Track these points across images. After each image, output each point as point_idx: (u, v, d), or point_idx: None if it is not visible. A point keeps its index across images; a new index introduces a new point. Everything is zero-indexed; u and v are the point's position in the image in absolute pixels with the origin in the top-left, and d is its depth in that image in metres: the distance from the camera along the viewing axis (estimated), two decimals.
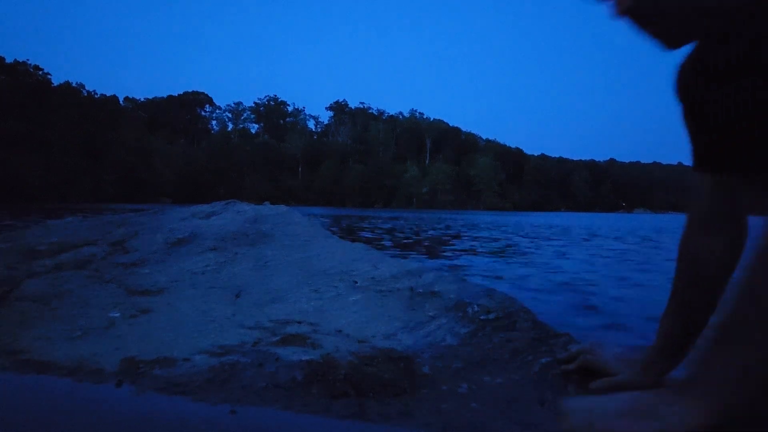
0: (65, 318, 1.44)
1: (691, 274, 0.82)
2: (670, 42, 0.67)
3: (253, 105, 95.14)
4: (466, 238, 9.31)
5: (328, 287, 1.77)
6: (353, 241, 2.60)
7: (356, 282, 1.79)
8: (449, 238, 9.24)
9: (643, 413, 0.61)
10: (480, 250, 6.77)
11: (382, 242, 7.78)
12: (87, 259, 2.07)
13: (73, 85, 58.22)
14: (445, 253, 6.13)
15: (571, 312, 2.73)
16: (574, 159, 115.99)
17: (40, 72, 52.89)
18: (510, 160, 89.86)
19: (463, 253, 6.25)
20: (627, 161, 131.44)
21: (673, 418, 0.58)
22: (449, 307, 1.48)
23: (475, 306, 1.44)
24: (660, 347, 0.88)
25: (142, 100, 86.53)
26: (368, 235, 9.62)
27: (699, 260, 0.81)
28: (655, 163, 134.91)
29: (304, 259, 2.15)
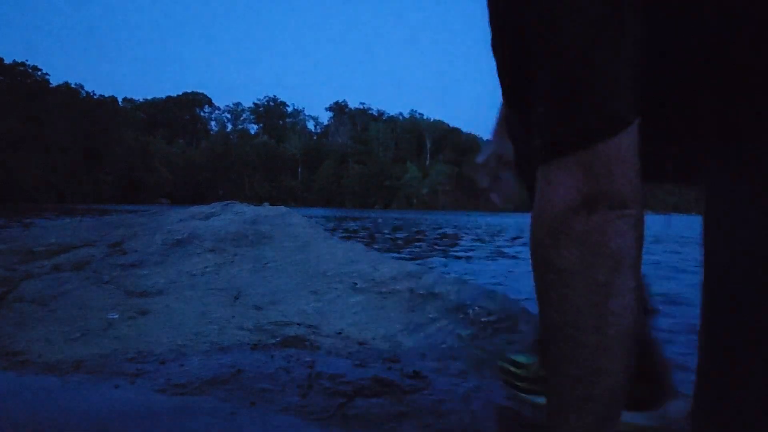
0: (64, 319, 1.43)
1: None
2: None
3: (253, 105, 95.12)
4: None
5: (327, 289, 1.76)
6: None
7: (356, 283, 1.78)
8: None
9: None
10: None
11: None
12: (85, 261, 2.07)
13: (72, 85, 58.24)
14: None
15: None
16: None
17: (39, 72, 52.88)
18: None
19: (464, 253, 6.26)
20: None
21: None
22: (450, 309, 1.48)
23: (476, 308, 1.44)
24: None
25: (141, 100, 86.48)
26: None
27: None
28: None
29: (303, 260, 2.14)
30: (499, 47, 0.51)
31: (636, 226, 0.44)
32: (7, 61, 51.04)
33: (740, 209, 0.49)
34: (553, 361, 0.49)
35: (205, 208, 3.06)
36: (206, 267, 2.03)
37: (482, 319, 1.37)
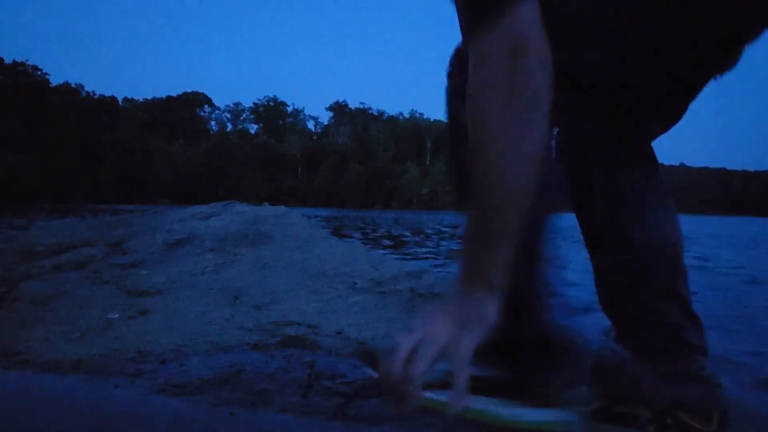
0: (64, 319, 1.43)
1: None
2: None
3: (253, 105, 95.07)
4: None
5: (327, 288, 1.76)
6: None
7: (356, 283, 1.79)
8: None
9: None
10: None
11: None
12: (85, 260, 2.07)
13: (72, 85, 58.32)
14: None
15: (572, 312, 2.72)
16: None
17: (39, 72, 52.91)
18: None
19: None
20: None
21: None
22: None
23: None
24: None
25: (141, 100, 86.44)
26: None
27: None
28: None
29: (303, 260, 2.14)
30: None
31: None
32: (7, 61, 51.08)
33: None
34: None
35: (205, 208, 3.07)
36: (206, 267, 2.04)
37: None
